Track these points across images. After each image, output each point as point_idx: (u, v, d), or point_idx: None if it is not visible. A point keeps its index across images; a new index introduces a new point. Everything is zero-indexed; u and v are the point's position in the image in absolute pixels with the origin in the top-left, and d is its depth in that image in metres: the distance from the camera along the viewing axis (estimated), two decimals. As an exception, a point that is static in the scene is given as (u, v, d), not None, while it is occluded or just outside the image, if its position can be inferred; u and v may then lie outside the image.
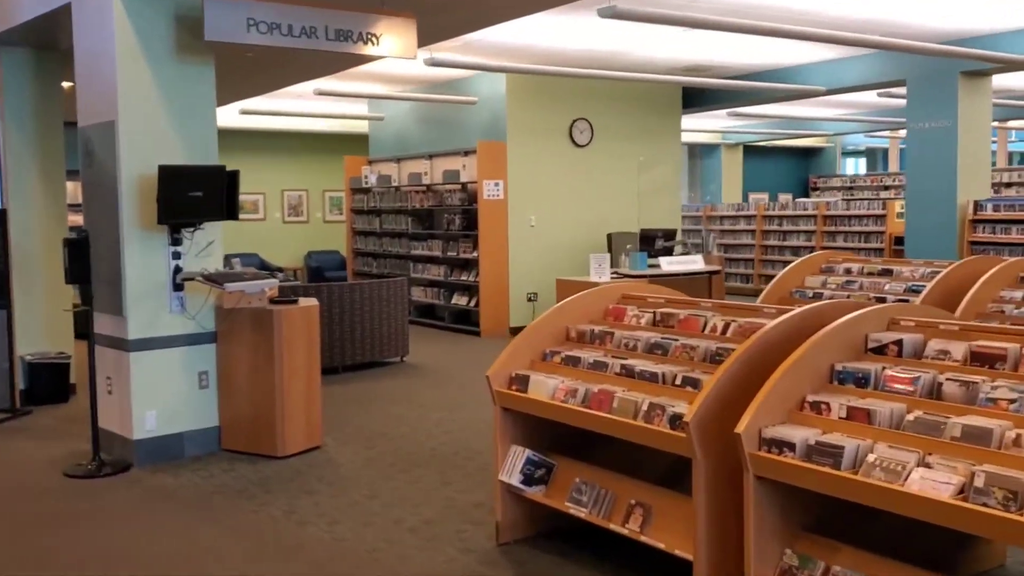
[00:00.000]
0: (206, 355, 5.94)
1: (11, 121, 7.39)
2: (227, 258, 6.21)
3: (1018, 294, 5.86)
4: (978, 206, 9.57)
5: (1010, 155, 21.75)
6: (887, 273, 6.82)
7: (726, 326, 3.97)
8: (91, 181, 5.91)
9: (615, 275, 10.16)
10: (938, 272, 6.46)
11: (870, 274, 6.91)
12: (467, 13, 6.53)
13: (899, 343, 3.34)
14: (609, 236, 11.29)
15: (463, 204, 11.46)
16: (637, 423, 3.56)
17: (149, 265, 5.66)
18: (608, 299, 4.66)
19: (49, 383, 7.39)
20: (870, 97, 13.87)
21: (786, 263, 15.13)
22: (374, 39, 6.00)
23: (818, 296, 6.82)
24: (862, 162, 26.44)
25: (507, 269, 11.22)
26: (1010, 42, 8.82)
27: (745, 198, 20.15)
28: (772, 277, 14.97)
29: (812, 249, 14.52)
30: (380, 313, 9.10)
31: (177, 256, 5.72)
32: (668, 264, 10.35)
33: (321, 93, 10.73)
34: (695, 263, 10.61)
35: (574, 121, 11.52)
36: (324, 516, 4.71)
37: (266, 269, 13.16)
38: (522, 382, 4.20)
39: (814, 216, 14.57)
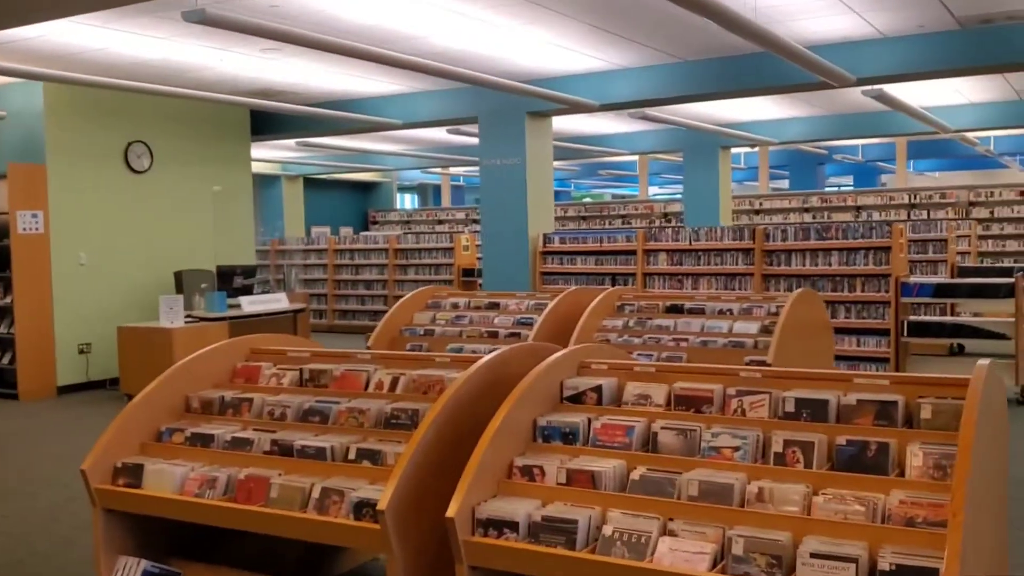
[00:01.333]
0: None
1: None
2: None
3: (619, 322, 6.12)
4: (547, 239, 10.14)
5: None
6: (494, 307, 6.78)
7: (394, 381, 3.40)
8: None
9: (190, 319, 9.05)
10: (543, 304, 6.55)
11: (477, 308, 6.82)
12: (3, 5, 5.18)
13: (598, 389, 3.06)
14: (178, 275, 10.06)
15: (-11, 240, 9.43)
16: (309, 516, 2.83)
17: None
18: (234, 356, 3.83)
19: None
20: (429, 134, 14.28)
21: (360, 297, 15.04)
22: None
23: (429, 333, 6.56)
24: (411, 197, 27.57)
25: (51, 317, 9.42)
26: (567, 85, 9.49)
27: (308, 232, 19.74)
28: (346, 312, 14.79)
29: (385, 283, 14.52)
30: None
31: None
32: (250, 304, 9.48)
33: None
34: (279, 301, 9.87)
35: (130, 144, 10.09)
36: None
37: None
38: (133, 474, 3.23)
39: (385, 249, 14.57)
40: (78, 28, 7.34)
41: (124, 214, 10.06)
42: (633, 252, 9.57)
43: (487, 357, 3.13)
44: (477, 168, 21.52)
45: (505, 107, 9.94)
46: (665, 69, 9.19)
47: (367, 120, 10.43)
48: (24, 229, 9.19)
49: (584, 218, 18.72)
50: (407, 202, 26.81)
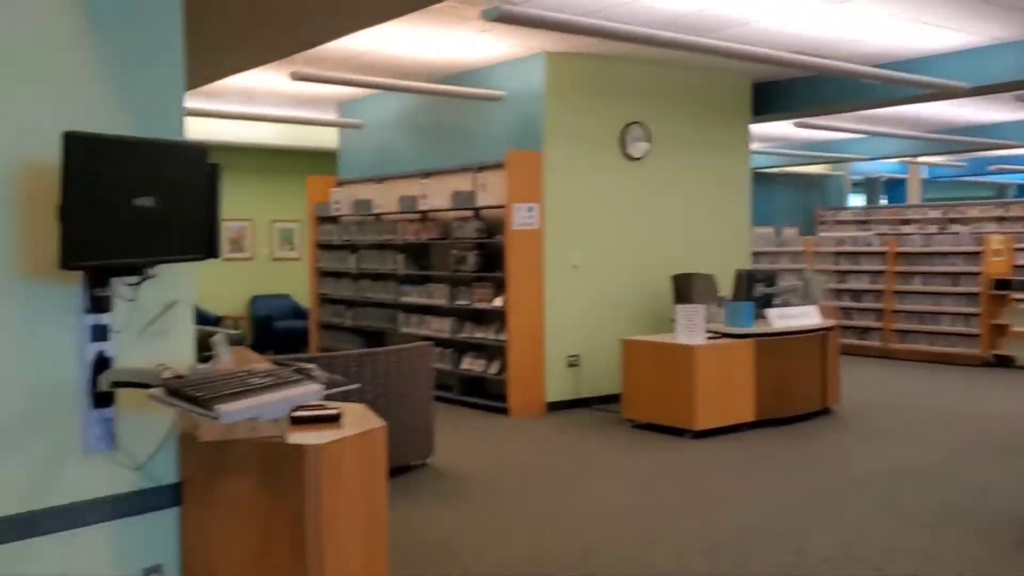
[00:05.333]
0: (160, 535, 2.88)
1: None
2: (204, 333, 3.10)
3: None
4: None
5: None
6: None
7: None
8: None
9: (710, 334, 7.41)
10: None
11: None
12: None
13: None
14: (680, 279, 8.54)
15: (479, 236, 8.54)
16: None
17: (35, 354, 2.59)
18: None
19: None
20: (922, 110, 11.53)
21: (846, 310, 12.55)
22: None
23: None
24: (856, 195, 24.43)
25: (543, 324, 8.31)
26: None
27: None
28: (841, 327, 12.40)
29: (881, 293, 12.03)
30: (399, 395, 6.11)
31: (102, 334, 2.68)
32: (780, 318, 7.65)
33: (301, 78, 7.68)
34: (809, 316, 7.93)
35: (627, 126, 8.75)
36: None
37: (204, 321, 9.96)
38: None
39: (881, 253, 12.08)
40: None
41: (617, 209, 8.74)
42: None
43: None
44: (955, 157, 18.15)
45: None
46: None
47: (925, 83, 8.09)
48: (520, 224, 8.17)
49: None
50: (853, 199, 23.75)
